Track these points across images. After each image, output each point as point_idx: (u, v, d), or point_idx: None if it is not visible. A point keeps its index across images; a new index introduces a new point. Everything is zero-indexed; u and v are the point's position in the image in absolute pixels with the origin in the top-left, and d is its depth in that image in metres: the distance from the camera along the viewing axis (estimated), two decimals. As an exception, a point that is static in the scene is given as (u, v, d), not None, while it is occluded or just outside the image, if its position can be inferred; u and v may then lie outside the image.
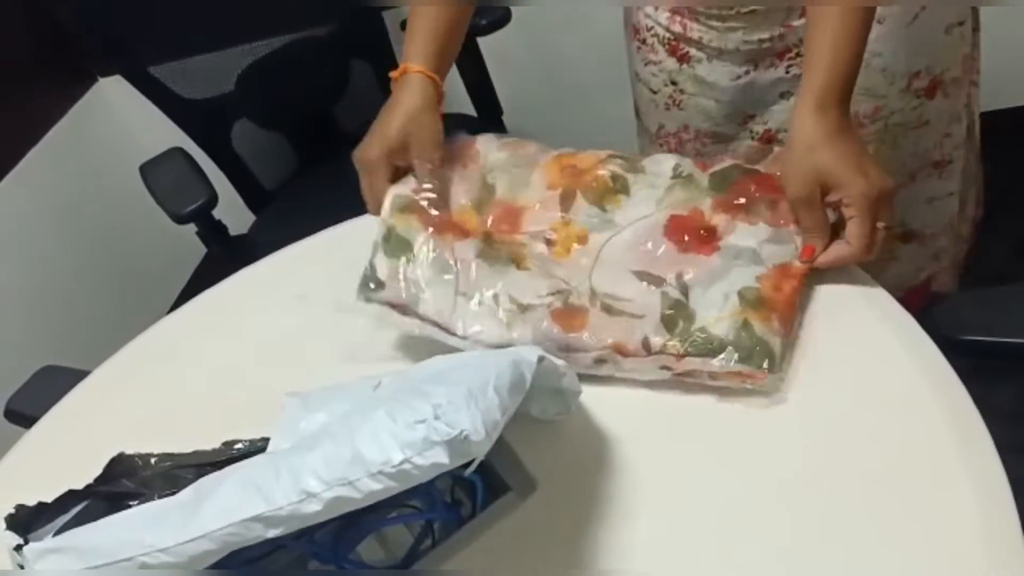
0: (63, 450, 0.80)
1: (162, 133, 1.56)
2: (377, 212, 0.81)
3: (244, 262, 1.03)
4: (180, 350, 0.91)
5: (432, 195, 0.80)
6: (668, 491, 0.57)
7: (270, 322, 0.89)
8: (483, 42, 1.54)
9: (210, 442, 0.68)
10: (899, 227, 1.08)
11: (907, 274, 1.09)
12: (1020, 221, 1.70)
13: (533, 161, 0.84)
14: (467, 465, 0.63)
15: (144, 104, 1.60)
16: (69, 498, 0.60)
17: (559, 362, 0.58)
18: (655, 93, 1.04)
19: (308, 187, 1.67)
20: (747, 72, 0.96)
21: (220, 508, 0.47)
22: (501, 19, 1.46)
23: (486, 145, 0.88)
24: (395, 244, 0.77)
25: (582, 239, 0.77)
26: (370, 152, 0.81)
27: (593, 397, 0.64)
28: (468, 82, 1.60)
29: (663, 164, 0.79)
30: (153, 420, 0.79)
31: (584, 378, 0.63)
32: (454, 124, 1.65)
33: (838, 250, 0.67)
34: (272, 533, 0.47)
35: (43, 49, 1.94)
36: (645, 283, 0.70)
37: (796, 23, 0.89)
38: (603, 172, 0.79)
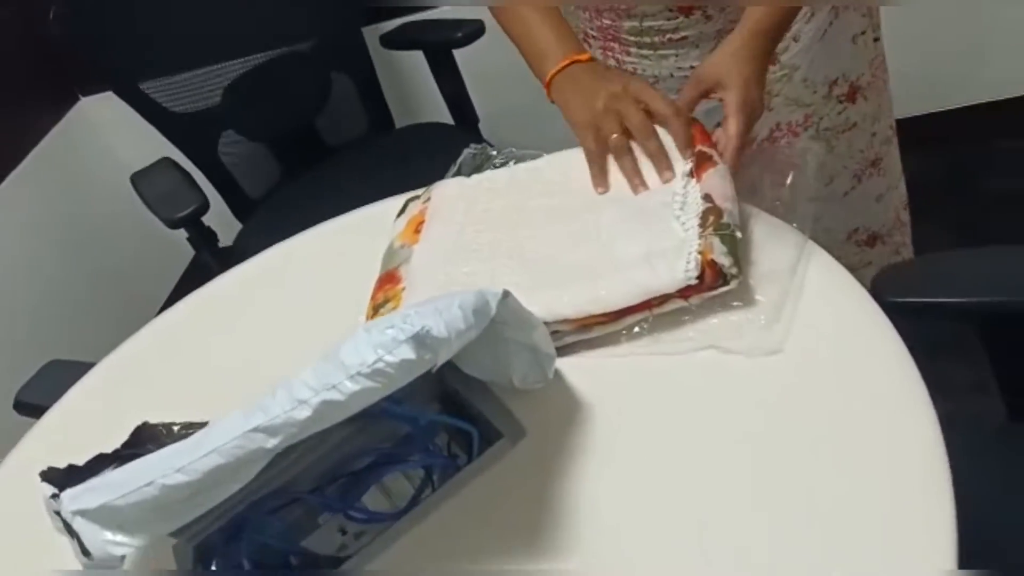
0: (73, 437, 0.84)
1: (143, 151, 1.61)
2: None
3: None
4: (185, 342, 0.96)
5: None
6: (644, 437, 0.64)
7: (275, 313, 0.93)
8: (459, 54, 1.62)
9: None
10: (864, 232, 1.18)
11: None
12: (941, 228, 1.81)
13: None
14: (463, 416, 0.70)
15: (126, 121, 1.65)
16: (98, 461, 0.65)
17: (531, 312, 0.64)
18: None
19: (292, 196, 1.73)
20: None
21: (227, 427, 0.53)
22: (476, 32, 1.54)
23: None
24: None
25: None
26: (614, 86, 0.83)
27: (576, 360, 0.71)
28: (445, 92, 1.67)
29: None
30: (166, 403, 0.83)
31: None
32: (432, 132, 1.75)
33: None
34: (272, 443, 0.52)
35: (23, 69, 1.98)
36: None
37: None
38: None
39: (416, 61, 1.70)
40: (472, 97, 1.68)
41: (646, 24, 0.99)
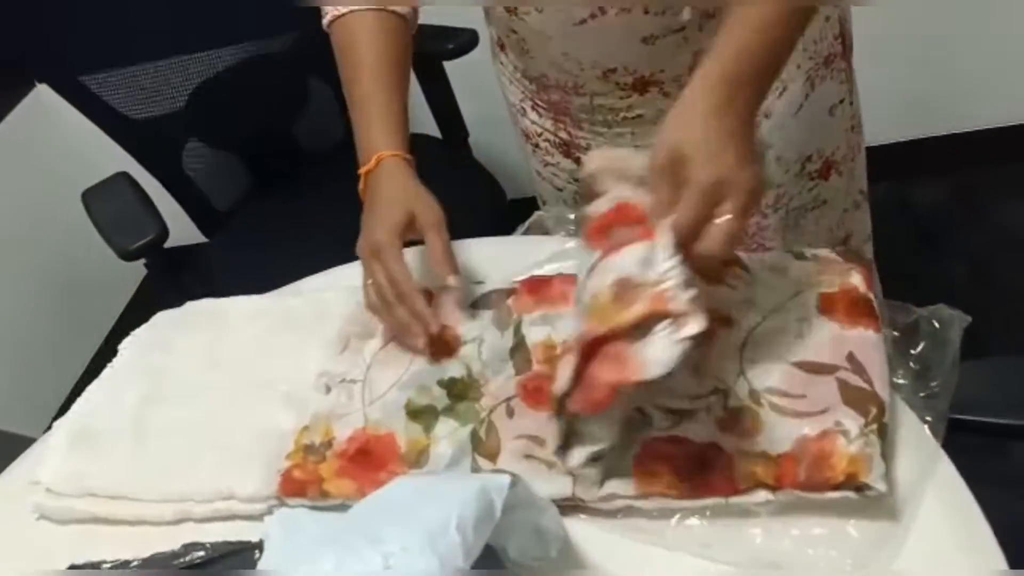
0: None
1: (108, 144, 1.46)
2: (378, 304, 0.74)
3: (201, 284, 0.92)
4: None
5: None
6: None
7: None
8: (449, 66, 1.49)
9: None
10: None
11: None
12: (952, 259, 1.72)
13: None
14: None
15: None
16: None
17: (541, 496, 0.53)
18: (560, 191, 1.03)
19: (265, 208, 1.60)
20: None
21: None
22: (468, 43, 1.41)
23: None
24: None
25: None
26: (377, 234, 0.74)
27: (609, 536, 0.59)
28: (434, 105, 1.55)
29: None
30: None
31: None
32: (418, 145, 1.61)
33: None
34: None
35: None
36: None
37: None
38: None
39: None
40: (462, 110, 1.55)
41: (596, 103, 0.87)
